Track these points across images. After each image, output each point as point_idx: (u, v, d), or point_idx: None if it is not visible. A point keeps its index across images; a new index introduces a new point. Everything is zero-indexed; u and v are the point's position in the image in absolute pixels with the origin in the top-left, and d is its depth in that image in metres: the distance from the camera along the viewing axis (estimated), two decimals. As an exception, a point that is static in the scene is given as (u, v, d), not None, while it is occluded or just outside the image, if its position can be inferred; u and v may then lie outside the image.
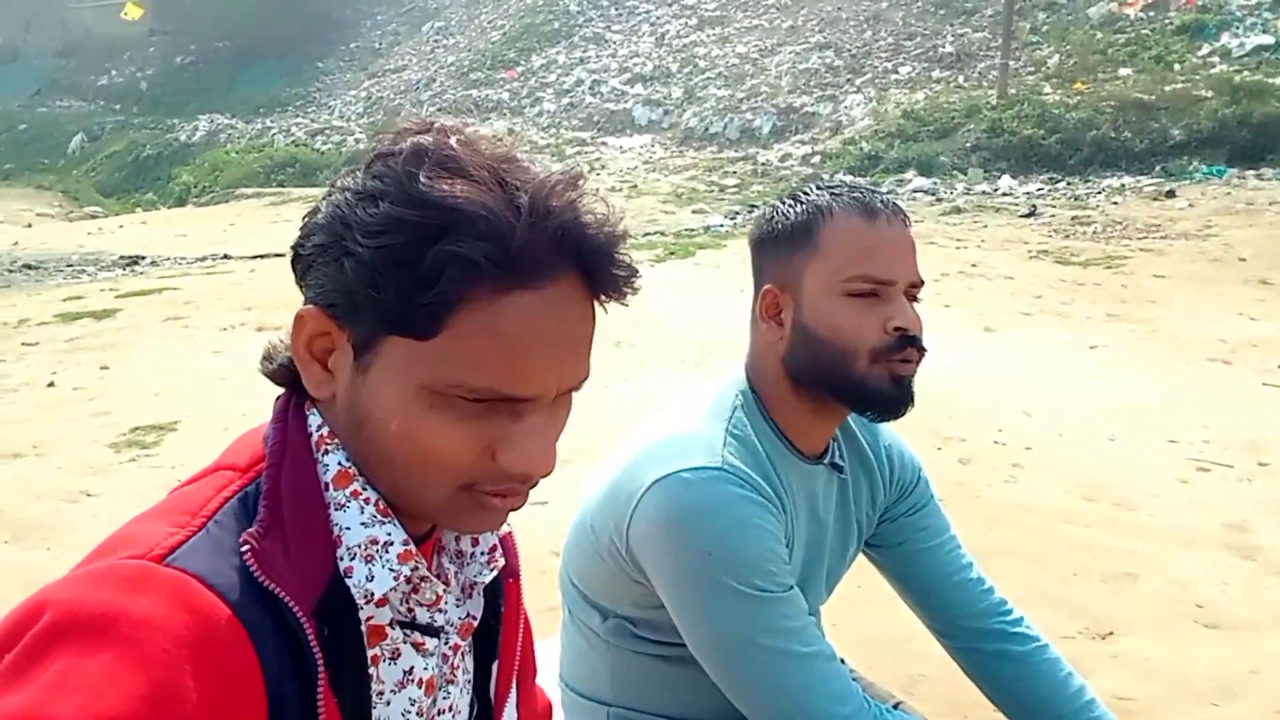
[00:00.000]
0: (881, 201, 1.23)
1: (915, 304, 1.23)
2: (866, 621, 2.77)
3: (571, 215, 0.67)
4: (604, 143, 17.97)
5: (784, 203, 1.28)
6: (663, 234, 10.94)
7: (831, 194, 1.24)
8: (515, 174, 0.67)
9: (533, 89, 21.28)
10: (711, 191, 13.86)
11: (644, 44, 21.41)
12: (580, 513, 1.30)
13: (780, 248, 1.25)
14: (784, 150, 15.76)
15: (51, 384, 5.72)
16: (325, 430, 0.73)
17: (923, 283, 1.24)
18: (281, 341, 0.77)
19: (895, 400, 1.20)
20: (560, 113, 19.91)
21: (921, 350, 1.21)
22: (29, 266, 10.54)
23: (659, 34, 21.60)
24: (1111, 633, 2.91)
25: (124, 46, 30.57)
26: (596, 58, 21.62)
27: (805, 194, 1.26)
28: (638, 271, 0.72)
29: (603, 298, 0.71)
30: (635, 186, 14.43)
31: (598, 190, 0.70)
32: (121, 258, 11.05)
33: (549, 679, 1.44)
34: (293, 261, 0.73)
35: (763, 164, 15.18)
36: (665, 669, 1.25)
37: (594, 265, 0.69)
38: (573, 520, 1.32)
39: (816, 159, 14.91)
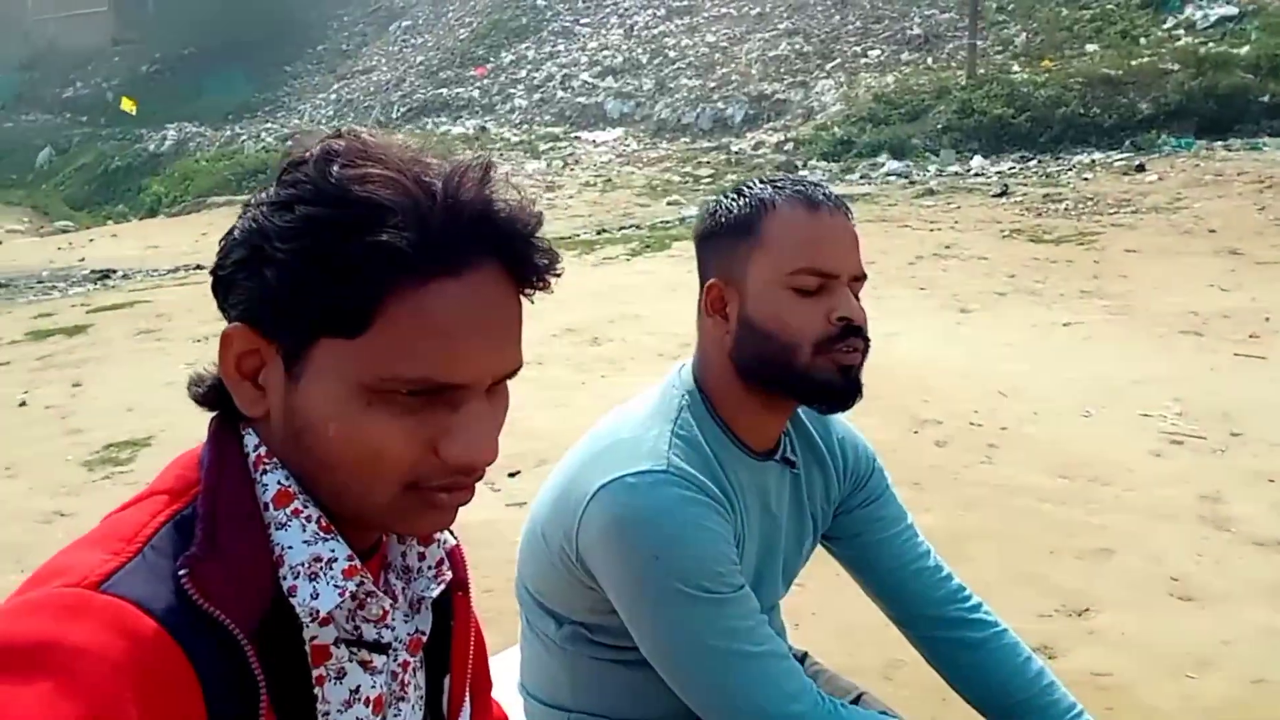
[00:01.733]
0: (823, 194, 1.23)
1: (858, 299, 1.22)
2: (847, 610, 2.77)
3: (485, 202, 0.68)
4: (577, 137, 17.92)
5: (727, 197, 1.28)
6: (638, 227, 10.93)
7: (774, 187, 1.24)
8: (426, 166, 0.68)
9: (503, 86, 21.20)
10: (686, 183, 13.85)
11: (613, 36, 21.36)
12: (531, 520, 1.30)
13: (724, 242, 1.25)
14: (757, 138, 15.77)
15: (23, 403, 5.67)
16: (263, 450, 0.72)
17: (865, 276, 1.24)
18: (206, 368, 0.77)
19: (842, 391, 1.20)
20: (532, 108, 19.84)
21: (866, 341, 1.21)
22: (-2, 284, 10.44)
23: (627, 25, 21.56)
24: (1088, 609, 2.93)
25: (89, 57, 30.25)
26: (566, 52, 21.56)
27: (748, 188, 1.26)
28: (558, 257, 0.73)
29: (526, 286, 0.72)
30: (609, 180, 14.41)
31: (508, 177, 0.71)
32: (93, 272, 10.97)
33: (512, 687, 1.43)
34: (213, 286, 0.73)
35: (736, 153, 15.20)
36: (623, 673, 1.25)
37: (512, 251, 0.70)
38: (524, 527, 1.31)
39: (790, 146, 14.93)
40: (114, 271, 10.91)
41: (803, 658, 1.51)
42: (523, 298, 0.73)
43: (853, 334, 1.18)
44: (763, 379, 1.22)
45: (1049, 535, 3.40)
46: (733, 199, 1.26)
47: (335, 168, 0.66)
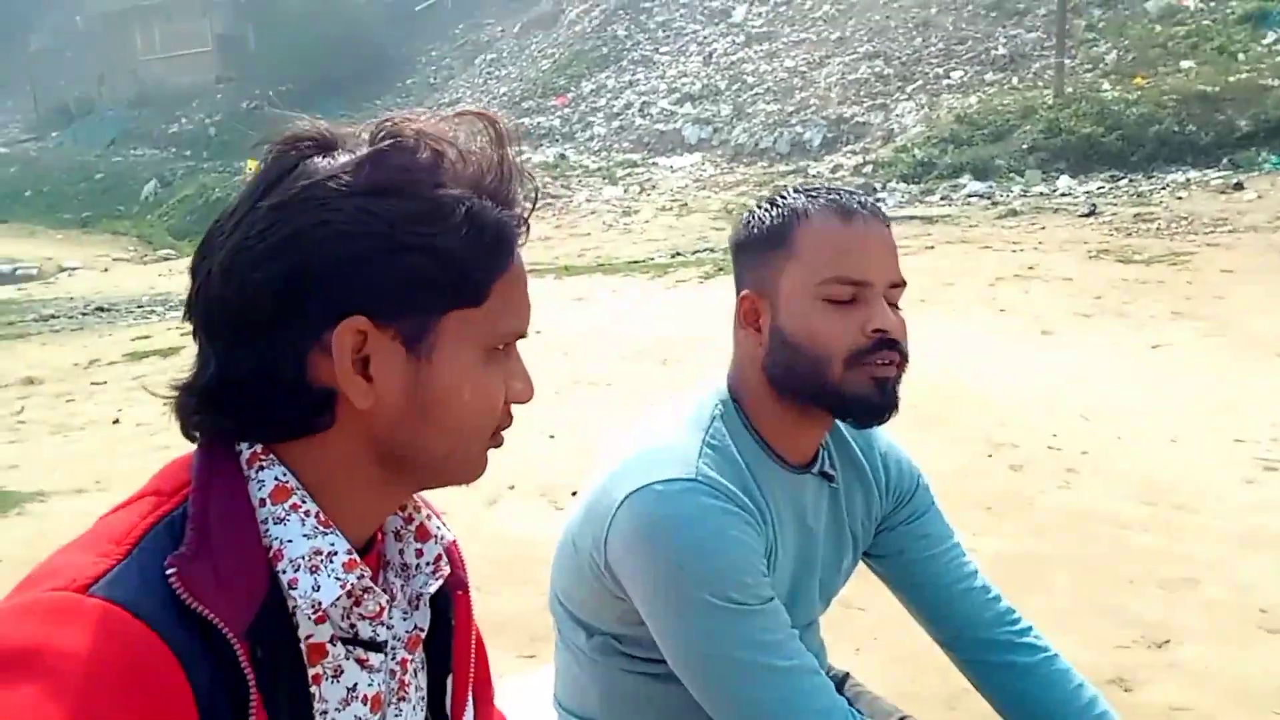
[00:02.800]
0: (859, 203, 1.20)
1: (898, 309, 1.19)
2: (910, 635, 2.69)
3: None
4: (655, 163, 18.02)
5: (761, 206, 1.26)
6: (712, 250, 10.92)
7: (808, 197, 1.21)
8: (500, 144, 0.76)
9: (583, 114, 21.46)
10: (747, 208, 13.79)
11: (692, 64, 21.46)
12: (564, 531, 1.29)
13: (757, 252, 1.23)
14: (835, 161, 15.64)
15: (116, 421, 5.91)
16: (258, 448, 0.72)
17: (904, 283, 1.20)
18: (182, 395, 0.74)
19: (876, 405, 1.16)
20: (611, 136, 20.03)
21: (903, 355, 1.17)
22: (101, 309, 10.95)
23: (706, 53, 21.64)
24: (1168, 640, 2.79)
25: (193, 95, 31.64)
26: (645, 80, 21.74)
27: (782, 197, 1.24)
28: None
29: None
30: (685, 205, 14.45)
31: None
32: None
33: (547, 703, 1.42)
34: (301, 291, 0.68)
35: (814, 176, 15.08)
36: (652, 686, 1.23)
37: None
38: (559, 539, 1.31)
39: (869, 169, 14.76)
40: (209, 296, 11.34)
41: (843, 679, 1.47)
42: None
43: (887, 346, 1.15)
44: (795, 392, 1.20)
45: (1129, 564, 3.26)
46: (766, 208, 1.24)
47: (441, 153, 0.72)
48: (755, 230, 1.24)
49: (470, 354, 0.73)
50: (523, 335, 0.78)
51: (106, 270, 16.67)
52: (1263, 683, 2.54)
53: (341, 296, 0.69)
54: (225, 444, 0.73)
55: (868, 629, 2.81)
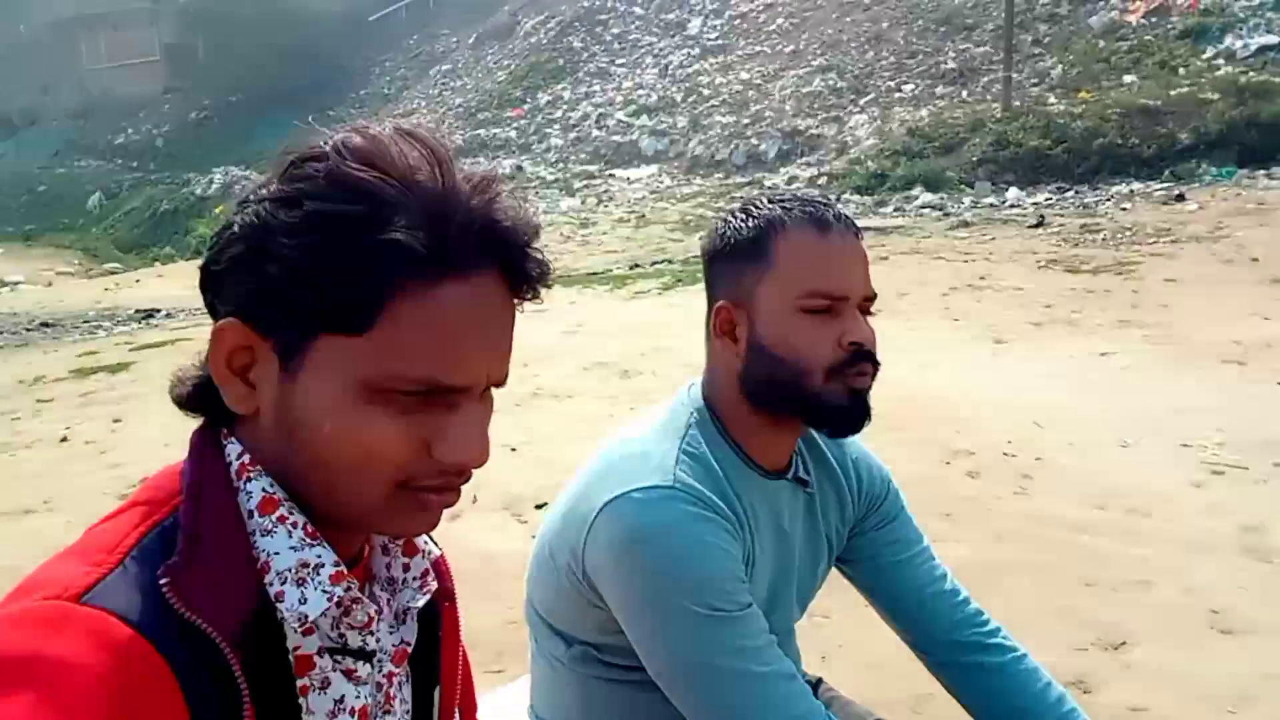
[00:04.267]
0: (834, 215, 1.22)
1: (869, 317, 1.22)
2: (875, 642, 2.72)
3: (494, 209, 0.69)
4: (612, 175, 18.07)
5: (735, 216, 1.27)
6: (670, 262, 10.96)
7: (783, 208, 1.23)
8: (436, 169, 0.69)
9: (540, 126, 21.48)
10: (719, 217, 13.87)
11: (648, 76, 21.59)
12: (540, 539, 1.29)
13: (733, 263, 1.24)
14: (790, 173, 15.80)
15: (64, 439, 5.77)
16: (246, 458, 0.72)
17: (875, 295, 1.23)
18: (188, 367, 0.76)
19: (853, 415, 1.19)
20: (568, 147, 20.06)
21: (876, 364, 1.19)
22: (46, 324, 10.68)
23: (662, 65, 21.78)
24: (1124, 642, 2.85)
25: (140, 105, 31.12)
26: (602, 92, 21.81)
27: (756, 207, 1.25)
28: (549, 269, 0.74)
29: (519, 294, 0.73)
30: (643, 216, 14.49)
31: (514, 187, 0.73)
32: (137, 311, 11.18)
33: (523, 714, 1.42)
34: (203, 282, 0.73)
35: (770, 188, 15.21)
36: (632, 695, 1.23)
37: (513, 259, 0.71)
38: (533, 548, 1.31)
39: (823, 180, 14.94)
40: (157, 311, 11.11)
41: (816, 684, 1.48)
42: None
43: (863, 358, 1.17)
44: (772, 402, 1.21)
45: (1084, 567, 3.32)
46: (741, 219, 1.25)
47: (349, 163, 0.67)
48: (730, 240, 1.25)
49: (335, 385, 0.67)
50: (443, 386, 0.68)
51: (51, 285, 16.27)
52: (1217, 682, 2.60)
53: (225, 298, 0.70)
54: (214, 448, 0.73)
55: (833, 637, 2.83)
